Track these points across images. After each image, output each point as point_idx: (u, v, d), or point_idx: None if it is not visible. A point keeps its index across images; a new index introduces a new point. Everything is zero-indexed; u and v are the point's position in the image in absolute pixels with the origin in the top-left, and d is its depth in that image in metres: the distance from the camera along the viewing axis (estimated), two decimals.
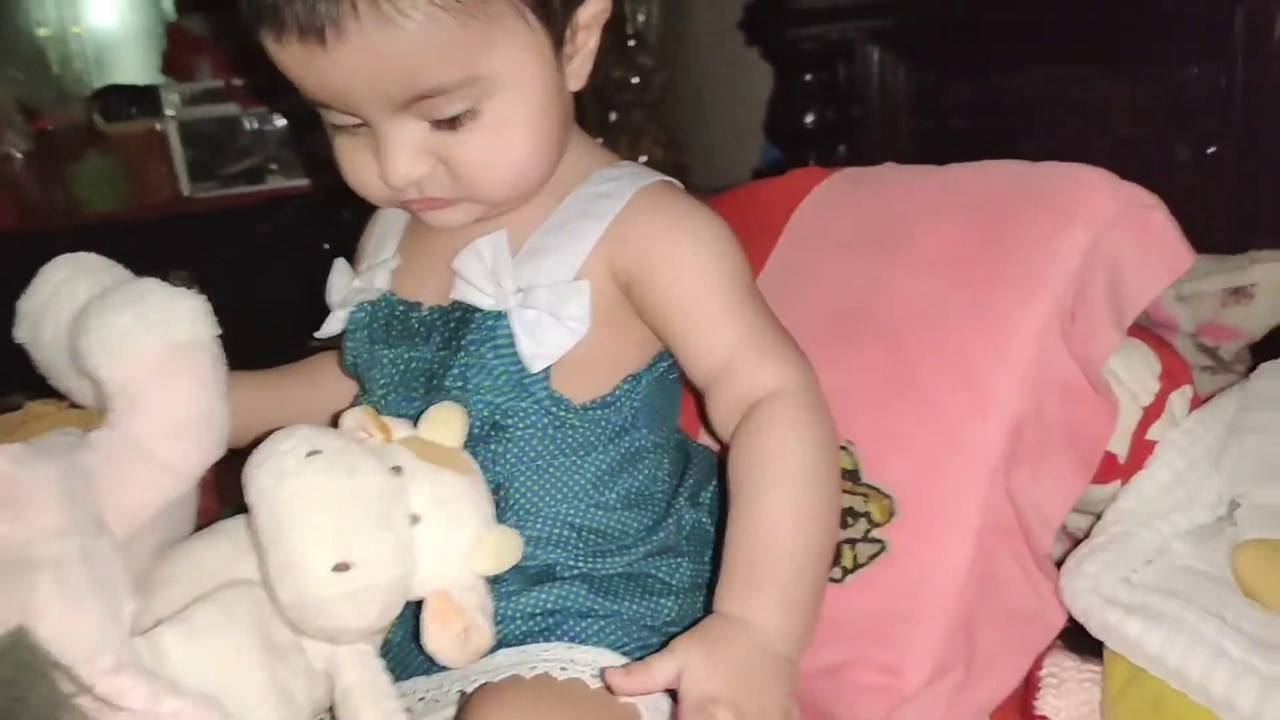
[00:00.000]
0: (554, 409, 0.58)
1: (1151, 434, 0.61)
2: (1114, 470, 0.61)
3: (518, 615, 0.56)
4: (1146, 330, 0.67)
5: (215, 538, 0.52)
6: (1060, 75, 1.13)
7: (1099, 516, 0.62)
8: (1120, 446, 0.61)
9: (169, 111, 1.94)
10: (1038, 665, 0.61)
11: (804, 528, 0.54)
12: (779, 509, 0.55)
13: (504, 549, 0.53)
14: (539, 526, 0.58)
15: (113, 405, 0.50)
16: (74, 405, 0.61)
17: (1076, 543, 0.66)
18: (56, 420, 0.55)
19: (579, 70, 0.60)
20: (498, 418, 0.58)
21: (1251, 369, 0.77)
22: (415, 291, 0.62)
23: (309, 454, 0.47)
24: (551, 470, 0.58)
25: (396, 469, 0.51)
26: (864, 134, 1.49)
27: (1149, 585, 0.54)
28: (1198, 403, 0.64)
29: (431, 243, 0.63)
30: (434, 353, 0.60)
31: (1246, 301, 0.78)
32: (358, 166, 0.59)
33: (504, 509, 0.58)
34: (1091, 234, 0.61)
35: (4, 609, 0.41)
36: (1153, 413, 0.61)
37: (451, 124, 0.55)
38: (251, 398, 0.65)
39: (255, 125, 1.99)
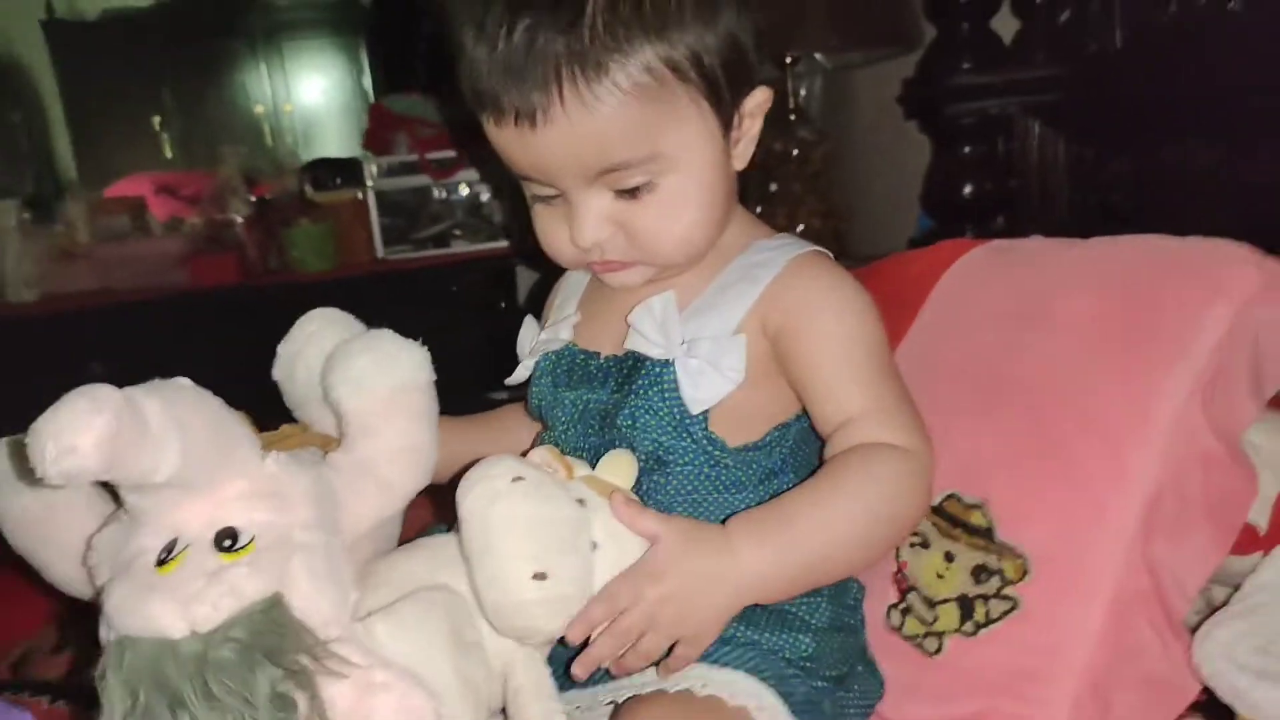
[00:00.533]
0: (710, 449, 0.64)
1: None
2: (1255, 542, 0.62)
3: None
4: None
5: (419, 551, 0.61)
6: (1220, 151, 1.12)
7: (1236, 588, 0.62)
8: (1261, 518, 0.61)
9: (369, 182, 2.15)
10: None
11: (832, 536, 0.60)
12: (832, 509, 0.61)
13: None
14: None
15: (349, 433, 0.59)
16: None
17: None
18: (304, 440, 0.64)
19: (744, 152, 0.67)
20: (661, 454, 0.65)
21: None
22: (594, 343, 0.71)
23: (514, 479, 0.55)
24: (706, 504, 0.65)
25: (581, 501, 0.58)
26: (1022, 206, 1.50)
27: None
28: None
29: (608, 302, 0.71)
30: (609, 395, 0.67)
31: None
32: (552, 232, 0.68)
33: None
34: (1235, 309, 0.62)
35: (269, 575, 0.50)
36: None
37: (633, 194, 0.63)
38: (451, 440, 0.73)
39: (444, 195, 2.17)
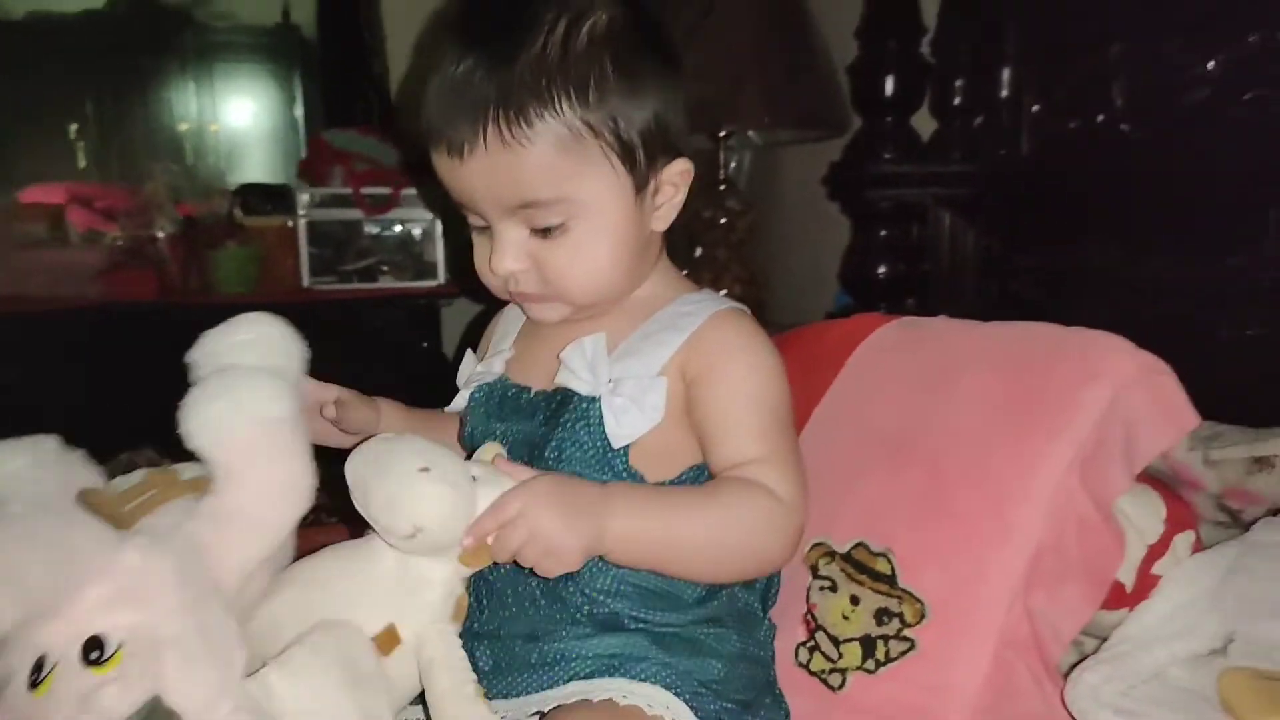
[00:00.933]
0: (629, 482, 0.69)
1: (1156, 569, 0.69)
2: (1121, 599, 0.69)
3: (589, 655, 0.67)
4: (1158, 480, 0.75)
5: (308, 580, 0.65)
6: (1116, 253, 1.24)
7: (1105, 639, 0.69)
8: (1128, 578, 0.69)
9: (301, 211, 2.15)
10: None
11: (691, 529, 0.65)
12: (702, 510, 0.66)
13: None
14: (606, 581, 0.69)
15: (217, 477, 0.60)
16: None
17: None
18: (168, 493, 0.62)
19: (664, 215, 0.73)
20: None
21: None
22: (526, 377, 0.75)
23: (396, 435, 0.63)
24: None
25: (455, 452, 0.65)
26: (932, 289, 1.61)
27: (1146, 698, 0.61)
28: (1199, 546, 0.71)
29: (542, 339, 0.76)
30: (537, 428, 0.71)
31: (1269, 470, 0.85)
32: (481, 259, 0.73)
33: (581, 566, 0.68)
34: (1112, 390, 0.71)
35: (141, 684, 0.52)
36: (1157, 550, 0.69)
37: (546, 233, 0.68)
38: (399, 423, 0.80)
39: (375, 231, 2.19)
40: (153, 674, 0.52)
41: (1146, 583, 0.69)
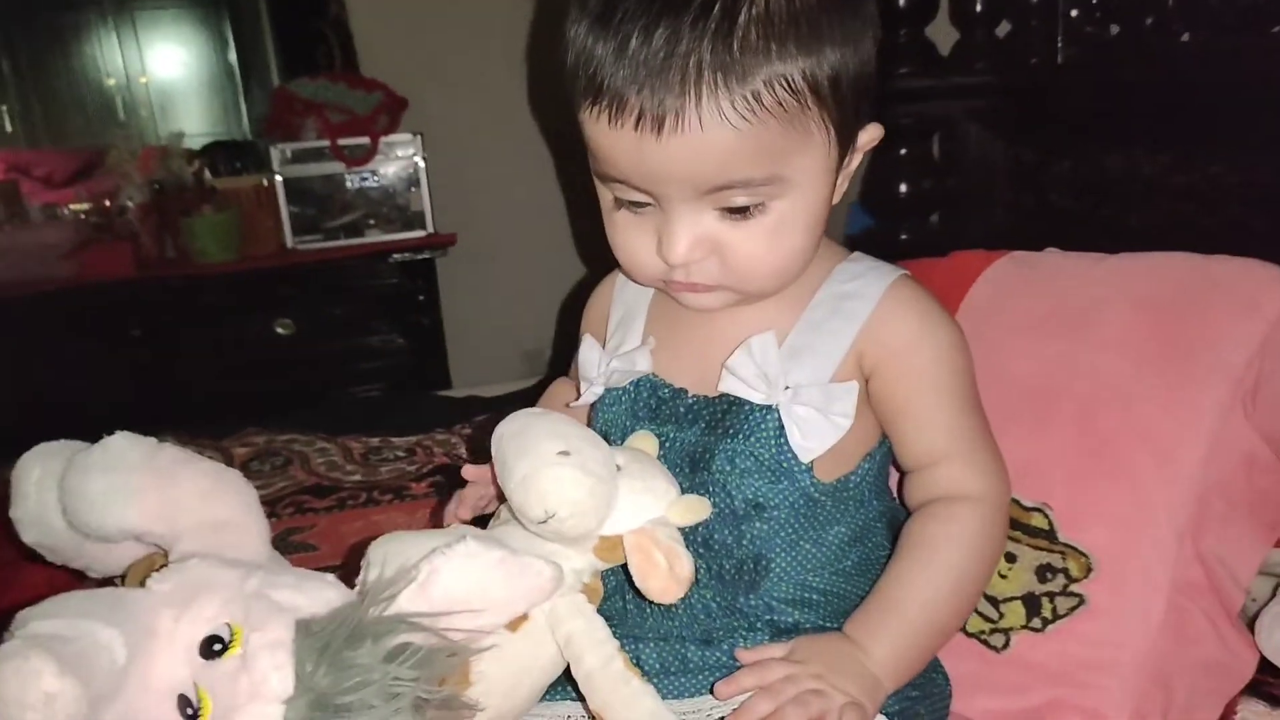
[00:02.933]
0: (811, 490, 0.64)
1: None
2: None
3: None
4: None
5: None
6: (1167, 158, 1.21)
7: (1279, 578, 0.69)
8: None
9: (275, 168, 2.04)
10: (1230, 711, 0.67)
11: (936, 609, 0.63)
12: (925, 586, 0.62)
13: (696, 506, 0.62)
14: (790, 590, 0.65)
15: (152, 542, 0.59)
16: None
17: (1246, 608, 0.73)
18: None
19: (841, 186, 0.65)
20: (760, 499, 0.64)
21: None
22: (676, 375, 0.69)
23: (542, 412, 0.62)
24: (802, 544, 0.65)
25: (600, 439, 0.62)
26: (958, 205, 1.58)
27: None
28: None
29: (686, 328, 0.69)
30: (699, 436, 0.65)
31: None
32: (634, 242, 0.64)
33: (760, 577, 0.65)
34: (1268, 323, 0.68)
35: (276, 628, 0.49)
36: None
37: (739, 214, 0.60)
38: None
39: (357, 183, 2.09)
40: (278, 614, 0.50)
41: None
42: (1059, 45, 1.35)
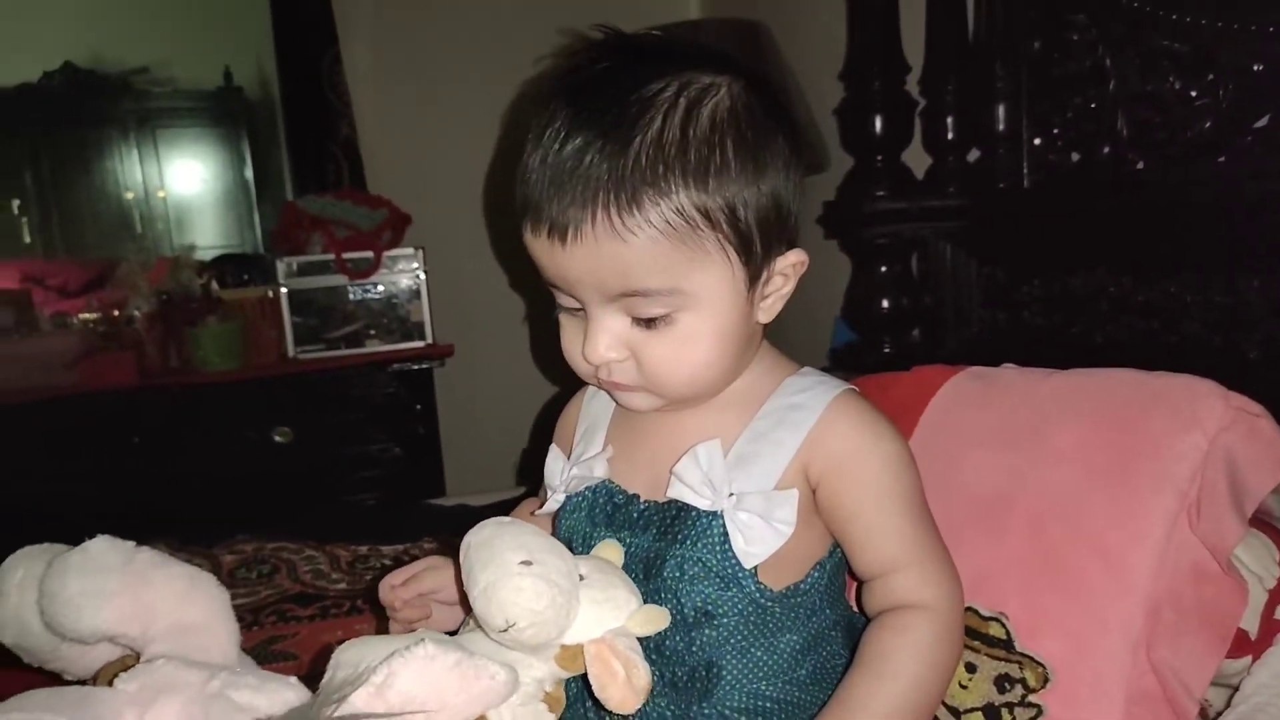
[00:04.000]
0: (759, 597, 0.66)
1: (1279, 614, 0.69)
2: (1245, 646, 0.69)
3: None
4: (1263, 522, 0.76)
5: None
6: (1130, 279, 1.26)
7: (1233, 689, 0.69)
8: (1251, 624, 0.69)
9: (280, 280, 2.11)
10: None
11: (907, 717, 0.63)
12: (881, 698, 0.63)
13: (655, 617, 0.64)
14: (743, 699, 0.66)
15: (125, 644, 0.63)
16: None
17: (1205, 717, 0.74)
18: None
19: (771, 307, 0.69)
20: (709, 607, 0.65)
21: None
22: (630, 481, 0.72)
23: (510, 521, 0.64)
24: (753, 651, 0.67)
25: (564, 549, 0.64)
26: (936, 321, 1.62)
27: None
28: None
29: (641, 435, 0.73)
30: (651, 542, 0.67)
31: None
32: (570, 342, 0.69)
33: (713, 684, 0.66)
34: (1208, 437, 0.71)
35: None
36: (1276, 595, 0.70)
37: (649, 324, 0.65)
38: None
39: (359, 295, 2.16)
40: (237, 715, 0.53)
41: (1270, 628, 0.69)
42: (1024, 171, 1.42)
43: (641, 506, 0.70)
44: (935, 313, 1.62)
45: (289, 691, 0.55)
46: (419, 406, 2.15)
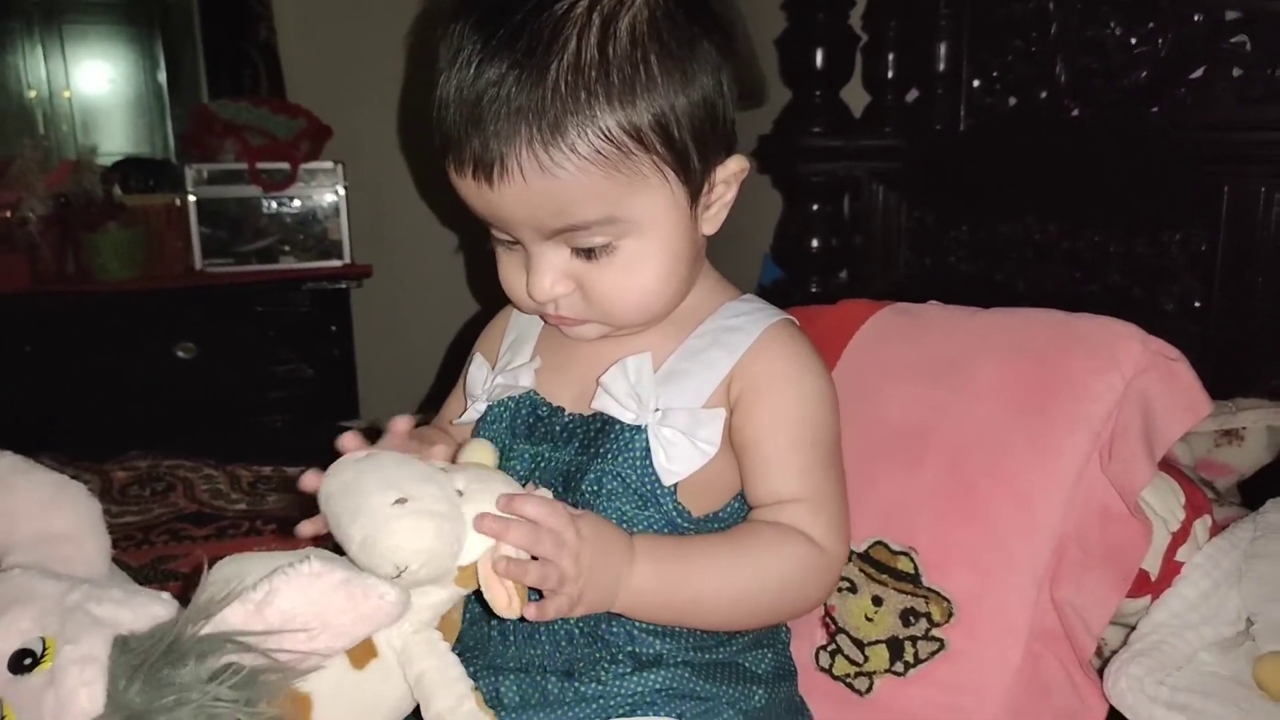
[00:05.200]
0: (677, 519, 0.63)
1: (1179, 556, 0.70)
2: (1145, 586, 0.70)
3: (630, 693, 0.62)
4: (1171, 466, 0.77)
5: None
6: (1055, 227, 1.26)
7: (1129, 628, 0.70)
8: (1152, 565, 0.70)
9: (189, 188, 2.00)
10: None
11: (716, 593, 0.61)
12: (728, 567, 0.61)
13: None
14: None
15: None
16: None
17: (1100, 654, 0.75)
18: None
19: (715, 217, 0.66)
20: (625, 525, 0.62)
21: (1243, 503, 0.87)
22: (556, 395, 0.69)
23: (367, 455, 0.58)
24: None
25: (431, 466, 0.59)
26: (864, 263, 1.61)
27: (1184, 688, 0.62)
28: (1216, 530, 0.73)
29: (571, 350, 0.69)
30: (572, 456, 0.65)
31: (1238, 443, 0.88)
32: (511, 277, 0.66)
33: None
34: (1125, 379, 0.71)
35: (91, 644, 0.48)
36: (1179, 537, 0.71)
37: (590, 255, 0.61)
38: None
39: (273, 208, 2.06)
40: (95, 629, 0.49)
41: (1170, 569, 0.70)
42: (961, 114, 1.41)
43: (565, 419, 0.67)
44: (864, 254, 1.61)
45: (157, 606, 0.51)
46: (334, 327, 2.08)
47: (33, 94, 3.97)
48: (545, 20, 0.56)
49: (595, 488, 0.63)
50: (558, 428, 0.67)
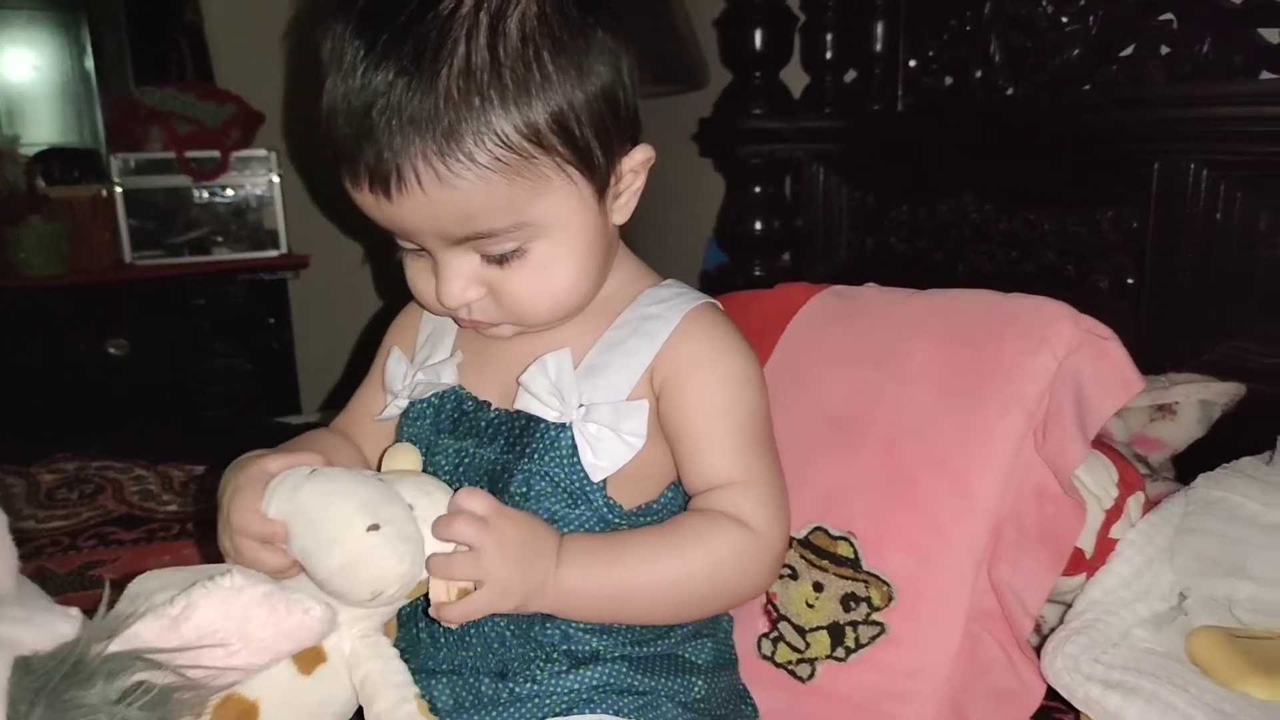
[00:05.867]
0: (608, 514, 0.62)
1: (1113, 533, 0.70)
2: (1080, 564, 0.71)
3: (566, 690, 0.61)
4: (1105, 444, 0.77)
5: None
6: (992, 207, 1.27)
7: (1066, 605, 0.71)
8: (1087, 543, 0.70)
9: (115, 178, 1.94)
10: None
11: (651, 594, 0.60)
12: (657, 561, 0.60)
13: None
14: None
15: None
16: None
17: (1038, 631, 0.75)
18: None
19: (625, 206, 0.64)
20: (557, 525, 0.61)
21: (1176, 477, 0.89)
22: (480, 389, 0.67)
23: (310, 472, 0.57)
24: None
25: (379, 479, 0.59)
26: (807, 245, 1.61)
27: (1119, 665, 0.62)
28: (1149, 506, 0.74)
29: (492, 343, 0.67)
30: (498, 454, 0.63)
31: (1171, 418, 0.90)
32: (420, 284, 0.64)
33: None
34: (1057, 358, 0.71)
35: None
36: (1113, 514, 0.71)
37: (502, 260, 0.60)
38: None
39: (204, 197, 2.00)
40: None
41: (1105, 547, 0.70)
42: (899, 94, 1.41)
43: (491, 415, 0.65)
44: (807, 236, 1.61)
45: (63, 624, 0.48)
46: (272, 320, 2.03)
47: None
48: (431, 22, 0.54)
49: (524, 489, 0.62)
50: (483, 423, 0.65)
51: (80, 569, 1.04)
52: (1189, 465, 0.87)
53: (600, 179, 0.61)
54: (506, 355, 0.66)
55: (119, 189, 1.93)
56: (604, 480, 0.62)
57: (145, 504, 1.22)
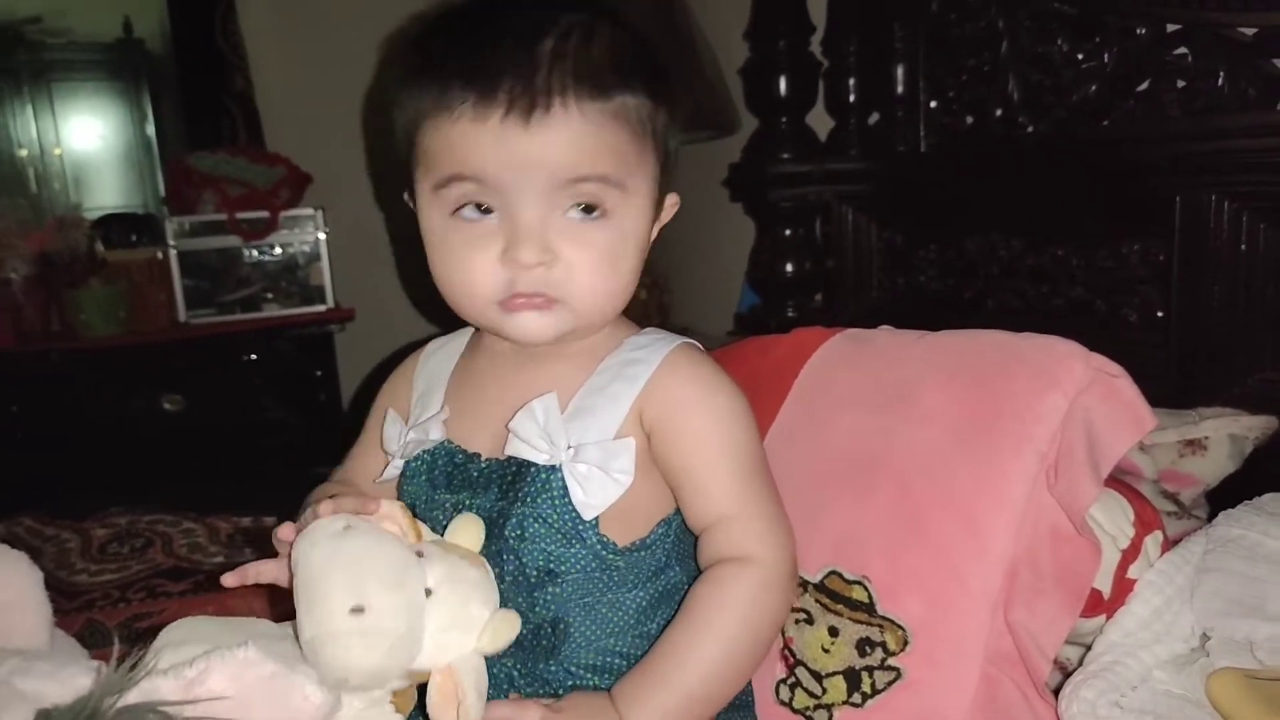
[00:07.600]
0: (602, 552, 0.64)
1: (1131, 573, 0.69)
2: (1099, 605, 0.70)
3: None
4: (1121, 482, 0.77)
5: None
6: (1019, 243, 1.27)
7: (1087, 647, 0.70)
8: (1104, 584, 0.69)
9: (170, 241, 2.02)
10: None
11: (711, 679, 0.62)
12: (701, 654, 0.62)
13: (504, 630, 0.60)
14: (592, 656, 0.65)
15: None
16: None
17: (1064, 671, 0.74)
18: None
19: (651, 240, 0.69)
20: (552, 565, 0.63)
21: (1211, 514, 0.87)
22: (469, 441, 0.69)
23: (344, 528, 0.58)
24: (599, 607, 0.65)
25: (419, 554, 0.59)
26: (838, 286, 1.62)
27: (1137, 709, 0.61)
28: (1168, 545, 0.73)
29: (480, 394, 0.70)
30: (493, 502, 0.65)
31: (1201, 453, 0.88)
32: (471, 258, 0.63)
33: (560, 642, 0.64)
34: (1068, 398, 0.71)
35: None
36: (1130, 554, 0.70)
37: (587, 213, 0.63)
38: None
39: (254, 256, 2.07)
40: (18, 703, 0.49)
41: (1123, 588, 0.70)
42: (921, 134, 1.41)
43: (482, 465, 0.67)
44: (837, 277, 1.62)
45: (84, 678, 0.51)
46: (319, 373, 2.09)
47: (23, 152, 4.02)
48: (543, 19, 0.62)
49: (519, 532, 0.63)
50: (475, 474, 0.67)
51: (128, 620, 1.08)
52: (1222, 501, 0.85)
53: (660, 190, 0.67)
54: (492, 402, 0.69)
55: (174, 251, 2.01)
56: (596, 519, 0.63)
57: (193, 555, 1.26)
